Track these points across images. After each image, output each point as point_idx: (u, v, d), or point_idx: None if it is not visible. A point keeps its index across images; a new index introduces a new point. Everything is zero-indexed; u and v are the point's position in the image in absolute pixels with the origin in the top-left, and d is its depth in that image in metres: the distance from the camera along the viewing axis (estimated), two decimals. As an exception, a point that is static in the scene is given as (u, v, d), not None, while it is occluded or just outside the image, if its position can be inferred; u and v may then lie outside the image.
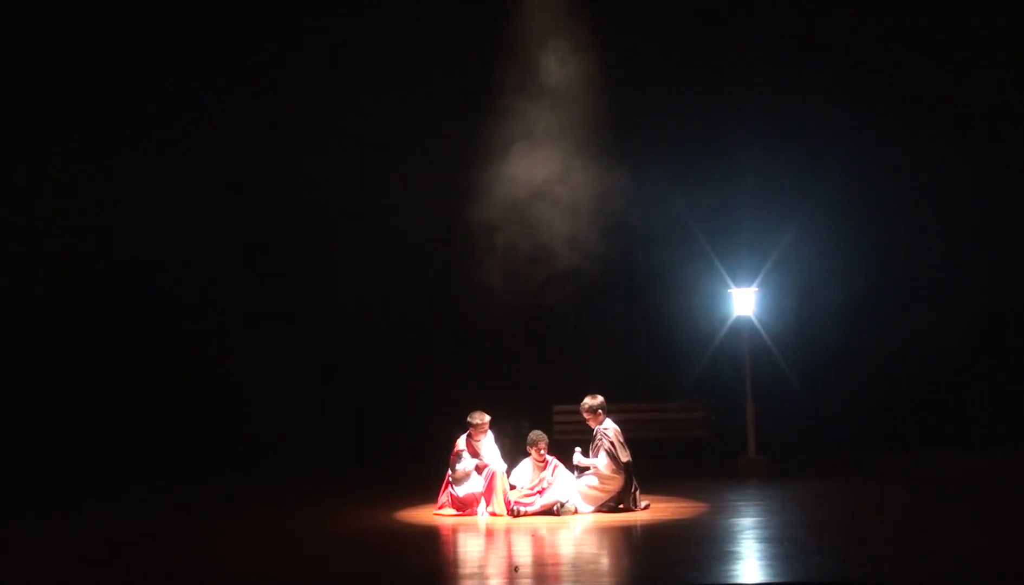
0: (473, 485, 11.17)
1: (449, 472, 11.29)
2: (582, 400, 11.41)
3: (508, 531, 10.20)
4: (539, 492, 11.03)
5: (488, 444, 11.43)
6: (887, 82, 16.27)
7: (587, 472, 11.18)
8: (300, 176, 16.44)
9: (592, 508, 11.02)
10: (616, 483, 11.04)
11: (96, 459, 15.61)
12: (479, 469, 11.21)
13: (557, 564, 8.64)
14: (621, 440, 11.13)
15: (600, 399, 11.32)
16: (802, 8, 16.34)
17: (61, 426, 16.00)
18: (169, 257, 16.74)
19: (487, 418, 11.40)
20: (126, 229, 16.76)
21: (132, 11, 16.15)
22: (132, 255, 16.81)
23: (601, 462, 11.07)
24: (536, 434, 11.40)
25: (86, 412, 16.18)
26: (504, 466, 11.26)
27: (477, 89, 15.14)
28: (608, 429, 11.18)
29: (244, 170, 16.41)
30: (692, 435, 16.09)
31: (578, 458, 11.26)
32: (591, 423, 11.31)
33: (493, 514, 10.99)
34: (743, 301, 14.86)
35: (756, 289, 15.00)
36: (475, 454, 11.31)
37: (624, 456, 11.05)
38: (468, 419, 11.39)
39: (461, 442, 11.33)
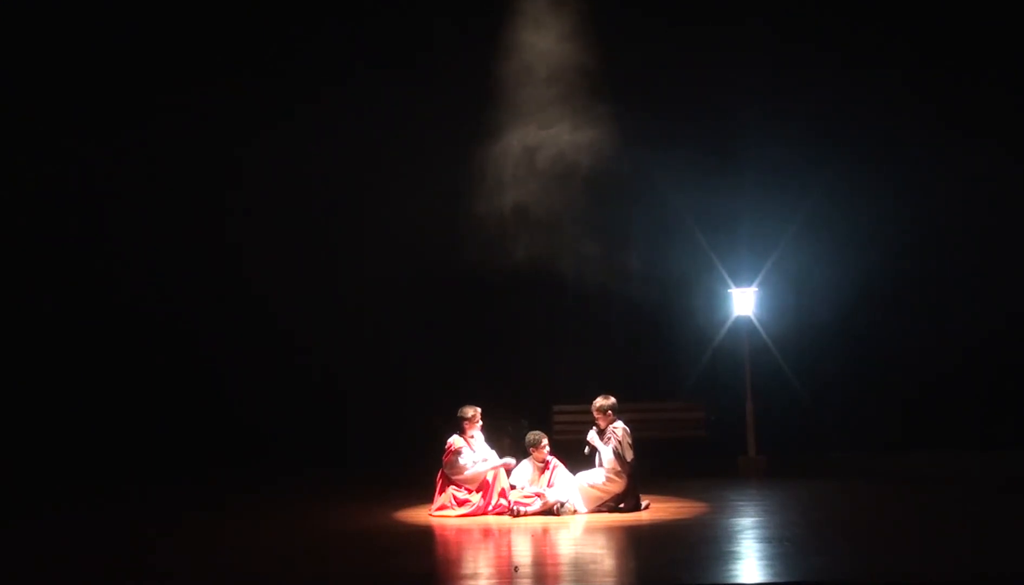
0: (476, 482, 11.16)
1: (445, 472, 11.26)
2: (593, 399, 11.39)
3: (508, 531, 10.20)
4: (539, 495, 11.02)
5: (480, 438, 11.44)
6: (889, 81, 16.25)
7: (589, 470, 11.19)
8: (299, 175, 16.46)
9: (592, 508, 11.02)
10: (618, 485, 11.05)
11: (92, 461, 15.61)
12: (481, 467, 11.21)
13: (557, 564, 8.64)
14: (629, 441, 11.13)
15: (612, 400, 11.32)
16: (804, 6, 16.33)
17: (58, 427, 16.02)
18: (165, 254, 16.75)
19: (479, 410, 11.42)
20: (123, 228, 16.77)
21: (125, 17, 16.19)
22: (129, 254, 16.80)
23: (606, 458, 11.08)
24: (536, 435, 11.39)
25: (82, 413, 16.19)
26: (499, 460, 11.27)
27: (475, 87, 15.18)
28: (617, 428, 11.18)
29: (244, 168, 16.44)
30: (692, 435, 16.09)
31: (592, 436, 11.29)
32: (601, 423, 11.31)
33: (498, 509, 11.00)
34: (743, 301, 14.87)
35: (756, 289, 15.00)
36: (471, 449, 11.31)
37: (629, 456, 11.07)
38: (459, 414, 11.37)
39: (458, 440, 11.29)
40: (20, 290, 16.44)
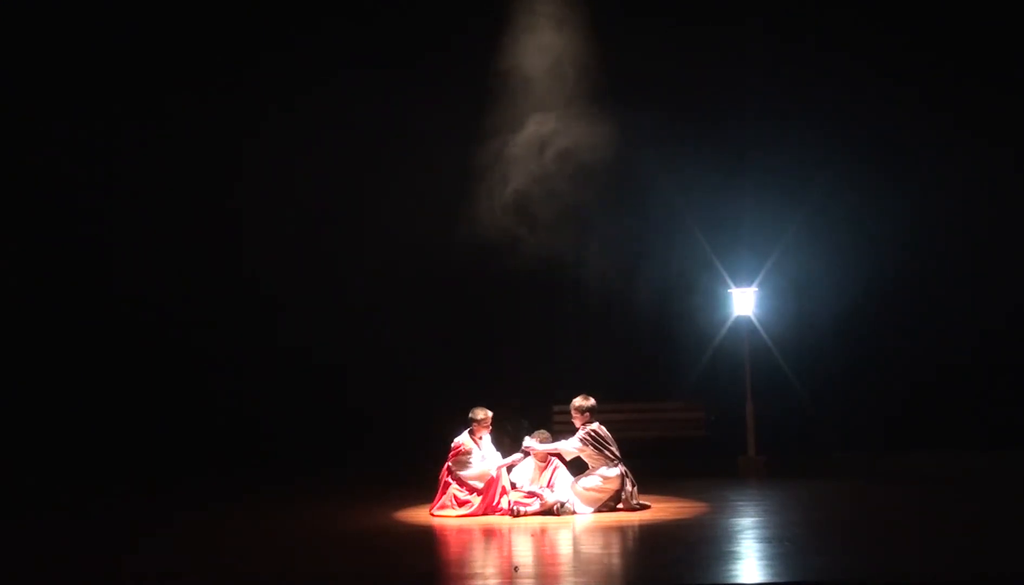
0: (483, 479, 11.18)
1: (453, 470, 11.26)
2: (593, 399, 11.38)
3: (508, 531, 10.20)
4: (538, 495, 11.02)
5: (487, 440, 11.46)
6: (890, 81, 16.26)
7: (586, 472, 11.20)
8: (300, 174, 16.46)
9: (592, 509, 11.02)
10: (614, 483, 11.05)
11: (93, 461, 15.62)
12: (488, 464, 11.23)
13: (557, 564, 8.64)
14: (602, 436, 11.13)
15: (592, 402, 11.30)
16: (804, 6, 16.33)
17: (58, 427, 16.03)
18: (165, 253, 16.75)
19: (490, 413, 11.43)
20: (123, 226, 16.78)
21: (125, 15, 16.20)
22: (130, 253, 16.80)
23: (570, 447, 11.09)
24: (536, 434, 11.41)
25: (83, 412, 16.20)
26: (504, 461, 11.29)
27: (476, 86, 15.19)
28: (592, 430, 11.18)
29: (243, 168, 16.44)
30: (692, 435, 16.10)
31: (529, 442, 11.27)
32: (576, 422, 11.32)
33: (499, 510, 11.01)
34: (743, 301, 14.87)
35: (756, 289, 15.01)
36: (479, 449, 11.32)
37: (614, 448, 11.10)
38: (471, 415, 11.38)
39: (467, 441, 11.30)
40: (20, 289, 16.43)
